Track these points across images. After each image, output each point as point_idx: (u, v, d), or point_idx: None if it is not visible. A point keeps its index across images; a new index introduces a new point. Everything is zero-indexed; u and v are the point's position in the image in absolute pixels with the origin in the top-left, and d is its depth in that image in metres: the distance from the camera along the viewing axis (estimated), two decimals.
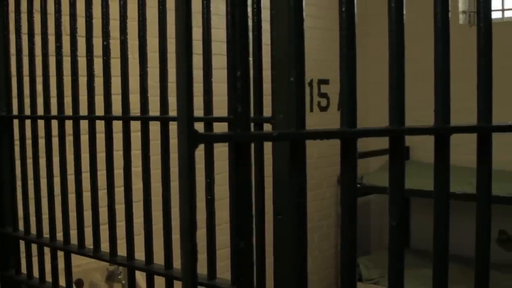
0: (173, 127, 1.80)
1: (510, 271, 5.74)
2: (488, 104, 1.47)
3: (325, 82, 6.64)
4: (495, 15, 6.78)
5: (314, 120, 6.43)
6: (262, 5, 1.94)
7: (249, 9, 1.92)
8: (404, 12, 1.36)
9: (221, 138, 1.27)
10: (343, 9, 1.30)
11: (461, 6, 6.59)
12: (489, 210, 1.47)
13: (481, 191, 1.48)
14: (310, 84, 6.54)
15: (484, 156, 1.47)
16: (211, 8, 2.14)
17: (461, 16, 6.57)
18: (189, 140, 1.11)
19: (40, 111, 2.69)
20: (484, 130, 1.45)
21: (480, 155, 1.47)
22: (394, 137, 1.37)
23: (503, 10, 6.73)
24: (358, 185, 6.38)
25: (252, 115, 1.99)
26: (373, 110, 6.85)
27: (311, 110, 6.60)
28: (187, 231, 1.15)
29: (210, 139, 1.38)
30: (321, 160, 6.55)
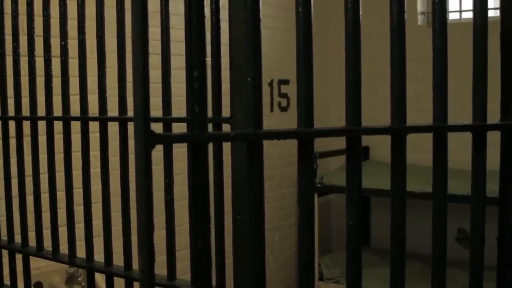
0: (131, 127, 1.79)
1: (468, 268, 5.81)
2: (444, 104, 1.49)
3: (286, 82, 6.67)
4: (453, 16, 6.87)
5: (274, 121, 6.45)
6: (221, 5, 1.94)
7: (208, 9, 1.93)
8: (361, 13, 1.37)
9: (178, 138, 1.26)
10: (300, 9, 1.30)
11: (420, 7, 6.67)
12: (445, 208, 1.49)
13: (437, 189, 1.50)
14: (271, 84, 6.56)
15: (439, 155, 1.49)
16: (171, 9, 2.14)
17: (419, 17, 6.65)
18: (145, 140, 1.10)
19: None
20: (440, 130, 1.47)
21: (435, 154, 1.49)
22: (351, 137, 1.38)
23: (460, 11, 6.82)
24: (319, 185, 6.45)
25: (211, 115, 1.99)
26: (333, 110, 6.90)
27: (272, 110, 6.62)
28: (144, 232, 1.14)
29: (166, 140, 1.38)
30: (281, 160, 6.58)
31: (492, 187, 1.57)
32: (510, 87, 1.55)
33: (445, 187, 1.49)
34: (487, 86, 1.51)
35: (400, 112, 1.43)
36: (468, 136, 1.52)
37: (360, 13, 1.37)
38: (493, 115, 1.56)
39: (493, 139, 1.59)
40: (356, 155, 1.39)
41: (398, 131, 1.43)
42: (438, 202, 1.49)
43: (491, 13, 6.48)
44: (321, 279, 6.54)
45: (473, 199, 1.52)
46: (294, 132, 1.32)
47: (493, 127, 1.53)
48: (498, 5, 1.63)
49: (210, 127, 1.98)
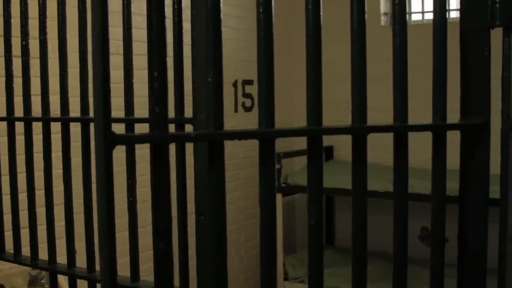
0: (94, 128, 1.78)
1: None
2: (404, 104, 1.50)
3: (250, 82, 6.66)
4: (415, 17, 6.93)
5: (238, 121, 6.45)
6: (185, 6, 1.94)
7: (170, 10, 1.93)
8: (321, 14, 1.38)
9: (138, 139, 1.26)
10: (261, 10, 1.31)
11: (383, 8, 6.72)
12: (405, 206, 1.51)
13: (398, 188, 1.51)
14: (235, 84, 6.55)
15: (400, 155, 1.50)
16: (135, 8, 2.13)
17: (382, 18, 6.70)
18: (105, 141, 1.10)
19: None
20: (400, 130, 1.49)
21: (396, 154, 1.50)
22: (312, 137, 1.38)
23: (423, 12, 6.89)
24: (283, 185, 6.45)
25: (173, 116, 1.99)
26: (298, 111, 6.91)
27: (236, 110, 6.61)
28: (105, 233, 1.14)
29: (127, 140, 1.38)
30: (246, 160, 6.57)
31: (454, 186, 1.58)
32: (469, 88, 1.57)
33: (405, 186, 1.51)
34: (447, 86, 1.53)
35: (360, 112, 1.44)
36: (427, 135, 1.53)
37: (321, 13, 1.38)
38: (453, 115, 1.58)
39: (453, 138, 1.61)
40: (317, 155, 1.39)
41: (359, 131, 1.44)
42: (399, 201, 1.51)
43: (453, 15, 6.48)
44: (286, 278, 6.55)
45: (434, 198, 1.53)
46: (255, 132, 1.32)
47: (453, 127, 1.55)
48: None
49: (172, 127, 1.98)
